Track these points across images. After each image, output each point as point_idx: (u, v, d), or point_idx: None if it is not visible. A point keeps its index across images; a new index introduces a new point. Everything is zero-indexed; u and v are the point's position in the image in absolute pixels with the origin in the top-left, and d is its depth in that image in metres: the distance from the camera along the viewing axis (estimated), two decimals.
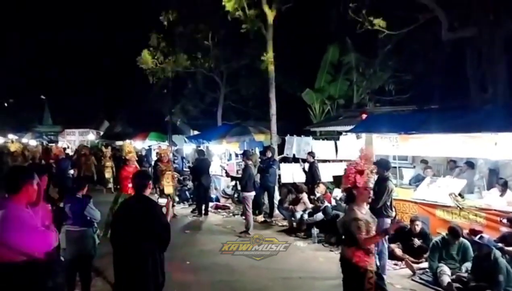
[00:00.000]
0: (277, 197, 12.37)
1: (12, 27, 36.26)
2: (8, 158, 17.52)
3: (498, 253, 6.12)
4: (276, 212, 11.96)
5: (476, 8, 11.02)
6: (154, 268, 4.50)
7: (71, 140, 30.93)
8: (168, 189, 12.13)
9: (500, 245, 6.54)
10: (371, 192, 4.62)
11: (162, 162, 12.64)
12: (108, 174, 17.27)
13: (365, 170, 4.53)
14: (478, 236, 6.32)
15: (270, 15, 13.90)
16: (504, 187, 8.14)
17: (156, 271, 4.51)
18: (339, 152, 13.01)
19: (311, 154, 12.61)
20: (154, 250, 4.50)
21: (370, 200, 4.71)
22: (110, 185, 17.09)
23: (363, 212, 4.54)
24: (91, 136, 31.69)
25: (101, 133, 33.48)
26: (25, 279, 3.25)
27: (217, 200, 14.39)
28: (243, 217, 11.33)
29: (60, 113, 39.06)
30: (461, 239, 6.96)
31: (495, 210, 7.59)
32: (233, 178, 14.35)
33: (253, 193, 10.68)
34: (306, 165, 12.45)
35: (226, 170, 14.36)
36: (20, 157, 16.51)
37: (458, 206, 7.99)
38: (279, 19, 14.26)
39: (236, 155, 16.62)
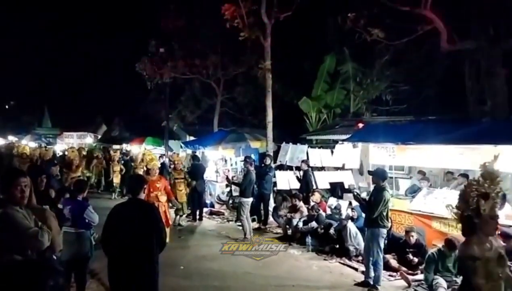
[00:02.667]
0: (271, 204, 12.29)
1: (13, 32, 36.39)
2: (16, 160, 17.20)
3: None
4: (270, 219, 11.89)
5: (475, 22, 11.06)
6: (152, 270, 4.50)
7: (69, 143, 30.79)
8: (182, 197, 11.96)
9: None
10: (498, 221, 3.63)
11: (175, 169, 12.49)
12: (116, 179, 16.81)
13: (490, 193, 3.54)
14: None
15: (269, 23, 13.91)
16: (503, 200, 8.05)
17: (153, 273, 4.52)
18: (334, 160, 12.96)
19: (305, 162, 12.55)
20: (151, 252, 4.49)
21: (496, 233, 3.68)
22: (118, 190, 16.72)
23: (487, 247, 3.53)
24: (89, 139, 31.65)
25: (99, 137, 33.48)
26: (26, 278, 3.28)
27: (212, 205, 14.29)
28: (238, 223, 11.31)
29: (59, 116, 39.16)
30: (457, 251, 6.87)
31: None
32: (228, 184, 14.25)
33: (250, 199, 10.62)
34: (301, 173, 12.41)
35: (227, 176, 14.27)
36: (28, 159, 16.20)
37: (455, 218, 7.89)
38: (277, 28, 14.26)
39: (226, 161, 16.68)
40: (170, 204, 11.50)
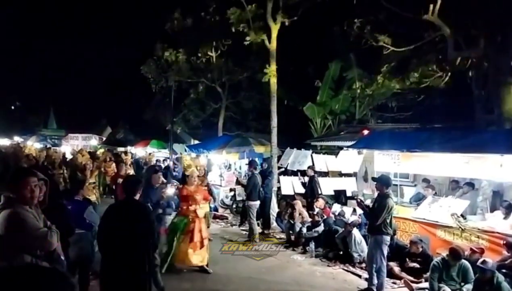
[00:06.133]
0: (275, 209, 12.25)
1: (19, 33, 36.66)
2: (23, 160, 16.97)
3: (501, 277, 5.95)
4: (274, 224, 11.84)
5: (483, 29, 11.02)
6: (144, 271, 4.51)
7: (74, 145, 30.89)
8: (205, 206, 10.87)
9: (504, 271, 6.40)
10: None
11: (197, 176, 11.53)
12: None
13: None
14: (481, 260, 6.15)
15: (274, 28, 13.91)
16: (508, 209, 8.00)
17: (145, 274, 4.54)
18: (339, 167, 12.91)
19: (311, 167, 12.51)
20: (145, 253, 4.53)
21: None
22: None
23: None
24: (93, 141, 31.73)
25: (104, 139, 33.57)
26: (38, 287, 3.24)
27: (215, 209, 14.24)
28: (241, 228, 11.31)
29: (64, 118, 39.32)
30: (462, 260, 6.81)
31: (498, 232, 7.44)
32: (232, 189, 14.24)
33: (257, 202, 10.68)
34: (306, 179, 12.37)
35: (237, 178, 14.30)
36: (34, 160, 15.99)
37: (460, 227, 7.85)
38: (282, 33, 14.25)
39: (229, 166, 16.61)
40: None
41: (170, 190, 7.81)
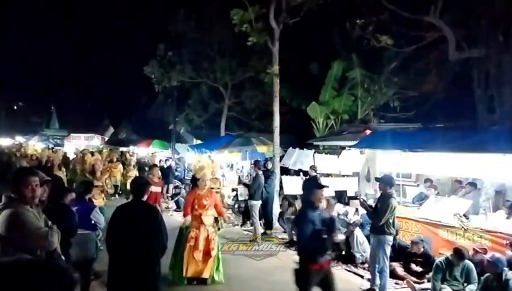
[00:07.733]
0: (278, 209, 12.26)
1: (22, 34, 36.74)
2: (24, 161, 16.90)
3: (509, 275, 5.91)
4: (277, 224, 11.85)
5: (485, 29, 11.00)
6: (153, 272, 4.51)
7: (76, 145, 30.97)
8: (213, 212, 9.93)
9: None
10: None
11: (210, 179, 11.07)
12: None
13: None
14: (490, 255, 6.13)
15: (277, 29, 13.90)
16: (511, 209, 8.00)
17: (154, 275, 4.52)
18: (340, 167, 12.90)
19: (313, 167, 12.50)
20: (153, 253, 4.52)
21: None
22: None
23: None
24: (96, 141, 31.77)
25: (106, 139, 33.61)
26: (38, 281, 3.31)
27: None
28: (243, 228, 11.31)
29: (67, 118, 39.43)
30: (466, 260, 6.81)
31: (501, 232, 7.43)
32: (234, 189, 14.26)
33: (259, 202, 10.82)
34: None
35: (239, 176, 14.35)
36: (36, 161, 15.96)
37: (462, 227, 7.85)
38: (285, 33, 14.24)
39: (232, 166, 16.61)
40: None
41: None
